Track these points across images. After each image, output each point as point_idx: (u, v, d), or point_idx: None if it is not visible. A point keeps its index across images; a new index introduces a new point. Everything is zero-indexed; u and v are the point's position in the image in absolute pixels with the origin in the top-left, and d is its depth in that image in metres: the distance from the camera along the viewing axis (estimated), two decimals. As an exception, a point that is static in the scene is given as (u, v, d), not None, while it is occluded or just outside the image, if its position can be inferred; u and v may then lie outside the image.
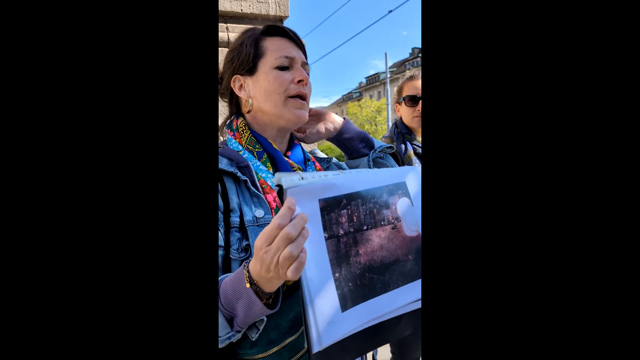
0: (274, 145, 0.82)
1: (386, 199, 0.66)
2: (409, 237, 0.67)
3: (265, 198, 0.77)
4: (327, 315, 0.56)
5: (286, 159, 0.82)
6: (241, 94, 0.84)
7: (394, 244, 0.65)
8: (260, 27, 0.85)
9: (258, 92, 0.81)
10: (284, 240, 0.51)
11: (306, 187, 0.57)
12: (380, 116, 34.75)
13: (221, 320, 0.61)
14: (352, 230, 0.61)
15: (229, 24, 1.81)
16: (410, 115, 1.54)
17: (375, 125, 35.08)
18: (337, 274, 0.58)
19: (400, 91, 1.61)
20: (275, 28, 0.84)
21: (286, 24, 1.96)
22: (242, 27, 1.79)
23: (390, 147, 1.04)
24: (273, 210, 0.76)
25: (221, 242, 0.73)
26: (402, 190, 0.69)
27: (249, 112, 0.84)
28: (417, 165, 1.50)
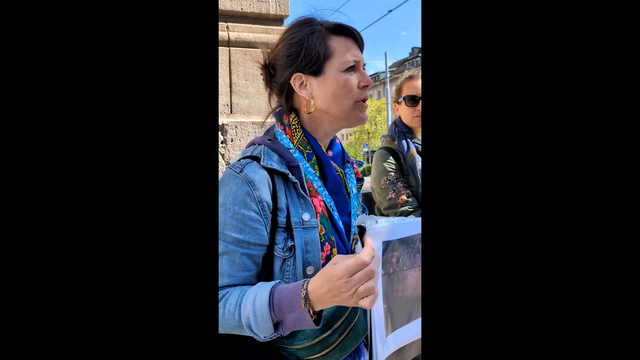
0: (323, 149, 0.83)
1: (418, 245, 0.78)
2: None
3: (312, 202, 0.79)
4: (381, 337, 0.68)
5: (332, 163, 0.84)
6: (302, 93, 0.82)
7: (419, 282, 0.77)
8: (320, 22, 0.85)
9: (324, 94, 0.81)
10: (368, 275, 0.60)
11: (378, 230, 0.67)
12: (380, 116, 34.84)
13: (268, 325, 0.67)
14: (397, 269, 0.72)
15: (229, 23, 1.83)
16: (410, 115, 1.55)
17: (375, 125, 35.21)
18: (385, 305, 0.70)
19: (399, 91, 1.62)
20: (343, 27, 0.83)
21: (285, 23, 1.98)
22: (242, 26, 1.81)
23: None
24: (318, 215, 0.79)
25: (265, 240, 0.76)
26: None
27: (309, 112, 0.83)
28: (419, 163, 1.51)
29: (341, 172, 0.85)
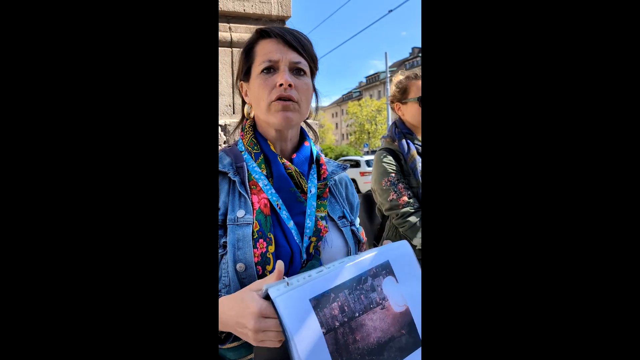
0: (271, 147, 0.83)
1: (371, 283, 0.71)
2: (399, 313, 0.72)
3: (252, 199, 0.79)
4: None
5: (283, 161, 0.83)
6: (246, 99, 0.87)
7: (386, 323, 0.69)
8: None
9: (252, 98, 0.84)
10: (277, 327, 0.60)
11: (294, 292, 0.62)
12: (380, 115, 34.78)
13: None
14: (346, 319, 0.65)
15: (231, 24, 1.82)
16: (419, 115, 1.53)
17: (376, 124, 35.12)
18: None
19: (405, 91, 1.58)
20: (265, 31, 0.83)
21: (288, 23, 1.97)
22: (244, 27, 1.81)
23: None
24: (254, 211, 0.78)
25: None
26: (386, 270, 0.74)
27: (249, 117, 0.87)
28: (419, 164, 1.51)
29: (294, 171, 0.83)
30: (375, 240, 1.70)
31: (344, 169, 0.97)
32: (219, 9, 1.78)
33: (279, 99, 0.78)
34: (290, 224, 0.80)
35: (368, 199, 1.79)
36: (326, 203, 0.87)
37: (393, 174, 1.50)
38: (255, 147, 0.84)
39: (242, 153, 0.84)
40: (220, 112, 1.76)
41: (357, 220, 0.96)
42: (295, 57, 0.80)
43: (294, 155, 0.86)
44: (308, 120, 0.98)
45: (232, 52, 1.75)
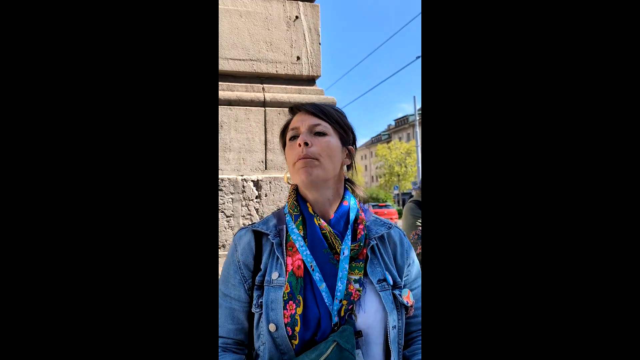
0: (309, 209, 0.86)
1: None
2: None
3: (287, 260, 0.82)
4: None
5: (319, 222, 0.84)
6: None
7: None
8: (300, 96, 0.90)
9: (287, 164, 0.92)
10: None
11: None
12: (410, 158, 34.74)
13: None
14: None
15: (265, 85, 1.92)
16: None
17: (405, 167, 35.04)
18: None
19: None
20: (293, 108, 0.94)
21: (318, 81, 2.06)
22: (277, 87, 1.90)
23: None
24: (287, 273, 0.80)
25: (243, 297, 0.84)
26: None
27: (289, 183, 0.94)
28: None
29: (329, 231, 0.84)
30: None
31: (389, 227, 0.93)
32: (253, 70, 1.91)
33: (300, 158, 0.83)
34: (322, 286, 0.79)
35: None
36: (362, 265, 0.85)
37: (421, 227, 1.47)
38: (296, 209, 0.87)
39: (286, 215, 0.89)
40: (253, 168, 1.81)
41: (416, 282, 0.93)
42: (314, 120, 0.87)
43: (332, 215, 0.87)
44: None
45: (265, 111, 1.84)
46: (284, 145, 0.94)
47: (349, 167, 0.96)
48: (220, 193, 1.70)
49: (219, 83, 1.83)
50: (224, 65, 1.86)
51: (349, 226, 0.87)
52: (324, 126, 0.87)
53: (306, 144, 0.83)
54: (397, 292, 0.85)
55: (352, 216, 0.88)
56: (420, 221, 1.52)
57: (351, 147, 0.93)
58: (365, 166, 59.54)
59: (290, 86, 1.93)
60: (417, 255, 1.48)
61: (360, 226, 0.88)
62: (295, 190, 0.91)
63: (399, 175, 36.07)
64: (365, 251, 0.85)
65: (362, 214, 0.91)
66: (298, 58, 1.94)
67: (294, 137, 0.87)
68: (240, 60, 1.87)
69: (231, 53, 1.86)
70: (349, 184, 0.96)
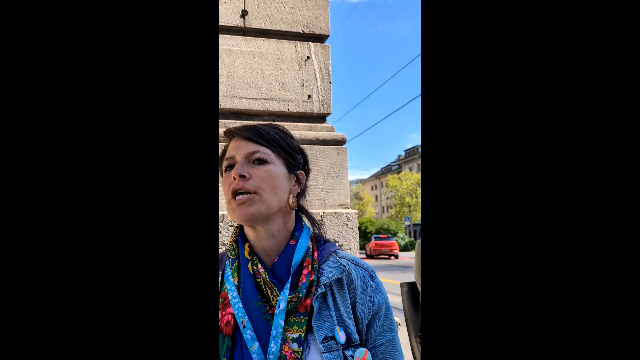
0: (245, 252, 0.74)
1: None
2: None
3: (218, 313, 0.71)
4: None
5: (254, 268, 0.72)
6: None
7: None
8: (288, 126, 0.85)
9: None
10: None
11: None
12: (421, 188, 34.59)
13: None
14: None
15: (277, 122, 1.96)
16: None
17: (417, 197, 34.96)
18: None
19: None
20: (228, 132, 0.79)
21: (329, 117, 2.11)
22: (289, 125, 1.93)
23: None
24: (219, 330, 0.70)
25: None
26: None
27: None
28: None
29: (263, 280, 0.71)
30: (421, 330, 1.63)
31: (343, 271, 0.75)
32: (266, 109, 1.97)
33: (234, 194, 0.70)
34: (254, 347, 0.67)
35: (413, 288, 1.74)
36: (304, 320, 0.70)
37: None
38: (233, 252, 0.76)
39: (226, 257, 0.78)
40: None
41: (382, 337, 0.75)
42: (252, 147, 0.72)
43: (276, 258, 0.74)
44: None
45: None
46: (221, 175, 0.78)
47: (300, 195, 0.80)
48: (220, 226, 1.71)
49: (233, 121, 1.89)
50: (237, 104, 1.92)
51: (290, 271, 0.73)
52: (264, 152, 0.73)
53: (242, 176, 0.69)
54: (349, 352, 0.69)
55: (296, 258, 0.73)
56: None
57: (301, 172, 0.79)
58: (376, 197, 59.39)
59: (301, 124, 1.98)
60: None
61: (305, 271, 0.73)
62: (240, 227, 0.79)
63: (410, 206, 35.83)
64: (309, 302, 0.71)
65: (315, 252, 0.77)
66: (309, 96, 2.00)
67: (229, 167, 0.74)
68: (253, 99, 1.93)
69: (245, 92, 1.93)
70: (303, 214, 0.81)
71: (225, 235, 1.75)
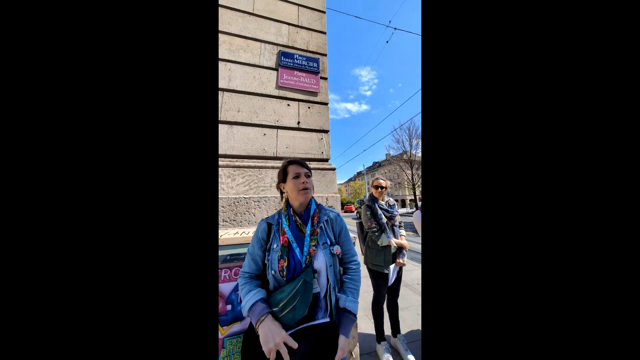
0: (291, 211, 1.45)
1: None
2: None
3: (280, 238, 1.37)
4: None
5: (295, 218, 1.44)
6: (284, 191, 1.56)
7: None
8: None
9: (288, 189, 1.50)
10: (278, 347, 1.16)
11: None
12: (364, 188, 52.14)
13: (245, 312, 1.31)
14: None
15: (305, 159, 3.28)
16: (376, 193, 2.87)
17: (366, 192, 49.42)
18: None
19: (371, 183, 2.97)
20: (290, 161, 1.50)
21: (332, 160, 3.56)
22: (312, 163, 3.39)
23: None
24: (280, 244, 1.36)
25: (260, 254, 1.45)
26: None
27: (286, 197, 1.54)
28: (379, 212, 2.83)
29: (300, 223, 1.41)
30: (364, 240, 3.03)
31: (328, 215, 1.53)
32: (304, 157, 3.38)
33: (303, 188, 1.41)
34: (297, 250, 1.36)
35: (361, 224, 3.12)
36: (316, 237, 1.42)
37: (369, 214, 2.87)
38: (286, 211, 1.46)
39: (283, 215, 1.48)
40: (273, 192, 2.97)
41: (348, 237, 1.55)
42: (305, 171, 1.48)
43: (303, 213, 1.47)
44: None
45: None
46: (283, 178, 1.50)
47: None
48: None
49: (289, 157, 3.21)
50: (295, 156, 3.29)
51: (309, 218, 1.45)
52: (308, 173, 1.47)
53: (304, 182, 1.39)
54: (332, 248, 1.44)
55: (311, 213, 1.47)
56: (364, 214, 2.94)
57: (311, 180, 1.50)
58: (346, 190, 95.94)
59: (315, 162, 3.40)
60: (368, 226, 2.83)
61: (315, 218, 1.46)
62: (287, 201, 1.47)
63: (358, 194, 63.70)
64: (317, 230, 1.43)
65: (317, 210, 1.50)
66: (322, 152, 3.41)
67: (296, 177, 1.42)
68: (299, 154, 3.35)
69: (295, 154, 3.36)
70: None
71: (265, 211, 2.94)
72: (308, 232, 1.47)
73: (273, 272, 1.38)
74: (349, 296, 1.42)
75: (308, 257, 1.39)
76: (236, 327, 1.75)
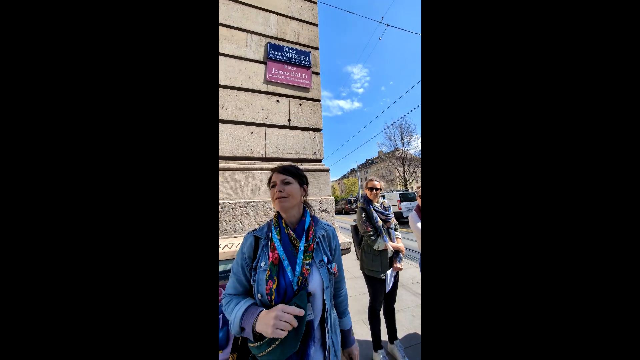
0: (283, 223, 1.28)
1: None
2: None
3: (269, 255, 1.19)
4: None
5: (288, 231, 1.26)
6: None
7: None
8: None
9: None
10: (279, 318, 1.00)
11: None
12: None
13: (237, 327, 1.08)
14: None
15: (297, 162, 3.31)
16: (371, 194, 2.72)
17: (359, 190, 47.66)
18: None
19: (364, 184, 2.79)
20: (275, 168, 1.35)
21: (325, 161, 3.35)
22: (305, 164, 3.43)
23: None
24: (269, 262, 1.18)
25: (245, 275, 1.22)
26: None
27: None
28: (375, 214, 2.67)
29: (292, 237, 1.24)
30: (359, 244, 2.90)
31: (325, 230, 1.35)
32: (296, 158, 3.26)
33: (276, 197, 1.27)
34: (288, 269, 1.18)
35: (355, 228, 2.97)
36: (311, 254, 1.25)
37: (364, 217, 2.73)
38: (276, 223, 1.30)
39: (271, 226, 1.30)
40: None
41: (340, 260, 1.38)
42: (282, 178, 1.30)
43: (296, 226, 1.30)
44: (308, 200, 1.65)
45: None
46: (269, 185, 1.35)
47: (305, 196, 1.36)
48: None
49: (281, 163, 2.88)
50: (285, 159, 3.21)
51: (304, 232, 1.29)
52: (289, 179, 1.30)
53: (280, 190, 1.24)
54: (329, 266, 1.29)
55: (306, 226, 1.30)
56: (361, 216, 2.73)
57: (305, 185, 1.35)
58: (339, 187, 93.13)
59: (308, 163, 3.29)
60: (363, 230, 2.63)
61: (310, 232, 1.30)
62: (278, 212, 1.31)
63: (352, 191, 60.43)
64: (312, 246, 1.26)
65: (313, 223, 1.34)
66: (315, 153, 3.30)
67: (274, 185, 1.29)
68: (290, 156, 3.23)
69: (287, 155, 3.20)
70: (306, 205, 1.37)
71: (263, 218, 2.81)
72: (302, 249, 1.27)
73: (260, 295, 1.16)
74: (347, 315, 1.43)
75: (301, 277, 1.19)
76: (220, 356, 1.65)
